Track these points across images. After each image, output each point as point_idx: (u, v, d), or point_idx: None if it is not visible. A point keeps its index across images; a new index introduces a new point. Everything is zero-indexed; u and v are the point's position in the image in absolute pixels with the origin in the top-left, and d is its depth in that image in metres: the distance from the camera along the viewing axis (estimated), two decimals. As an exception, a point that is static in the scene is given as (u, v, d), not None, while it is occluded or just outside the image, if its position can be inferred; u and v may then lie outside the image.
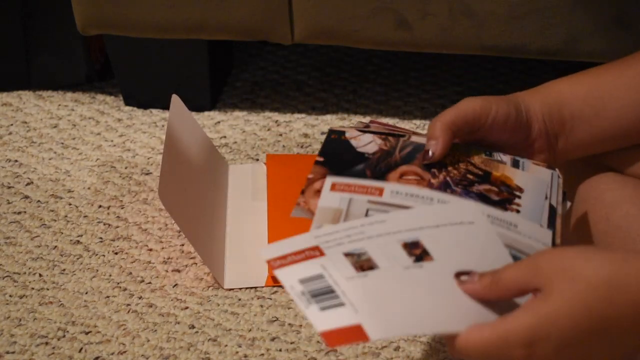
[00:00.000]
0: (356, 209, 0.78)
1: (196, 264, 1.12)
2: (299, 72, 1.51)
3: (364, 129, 0.88)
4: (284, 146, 1.33)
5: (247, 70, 1.52)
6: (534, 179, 0.86)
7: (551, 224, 0.82)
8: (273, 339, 1.02)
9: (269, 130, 1.37)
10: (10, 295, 1.09)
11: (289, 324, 1.04)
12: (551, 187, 0.85)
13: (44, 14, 1.43)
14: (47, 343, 1.02)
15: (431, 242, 0.73)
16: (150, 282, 1.10)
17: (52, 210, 1.22)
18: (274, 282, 1.09)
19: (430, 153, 0.84)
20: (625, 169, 0.91)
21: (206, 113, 1.41)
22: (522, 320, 0.68)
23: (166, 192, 1.05)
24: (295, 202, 1.19)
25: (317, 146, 1.31)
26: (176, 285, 1.09)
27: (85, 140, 1.36)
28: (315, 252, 0.73)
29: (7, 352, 1.01)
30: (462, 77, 1.49)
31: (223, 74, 1.48)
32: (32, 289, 1.09)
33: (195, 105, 1.39)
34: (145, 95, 1.42)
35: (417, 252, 0.72)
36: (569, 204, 0.86)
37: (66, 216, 1.20)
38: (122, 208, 1.21)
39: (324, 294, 0.70)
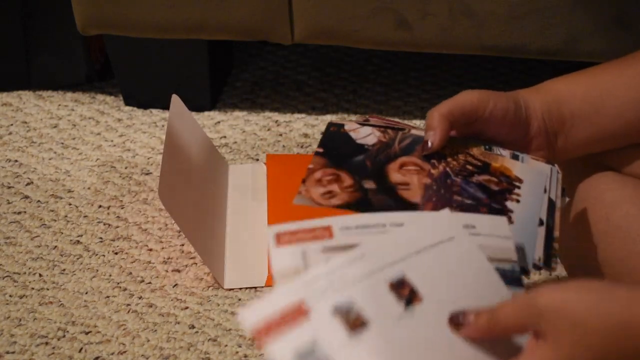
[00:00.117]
0: (314, 262, 0.73)
1: (196, 264, 1.12)
2: (299, 72, 1.51)
3: (363, 123, 0.89)
4: (284, 146, 1.33)
5: (247, 70, 1.52)
6: (533, 171, 0.86)
7: (550, 217, 0.82)
8: (273, 339, 1.02)
9: (269, 130, 1.37)
10: (10, 295, 1.09)
11: (289, 324, 1.03)
12: (550, 181, 0.85)
13: (44, 14, 1.43)
14: (47, 343, 1.02)
15: (417, 275, 0.70)
16: (150, 282, 1.10)
17: (52, 210, 1.22)
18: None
19: (429, 143, 0.84)
20: (625, 168, 0.91)
21: (206, 113, 1.41)
22: None
23: (166, 192, 1.05)
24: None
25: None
26: (176, 285, 1.09)
27: (85, 140, 1.36)
28: (300, 312, 0.68)
29: (7, 352, 1.01)
30: (462, 77, 1.49)
31: (223, 74, 1.48)
32: (32, 289, 1.09)
33: (195, 105, 1.39)
34: (145, 95, 1.42)
35: (405, 292, 0.70)
36: (567, 199, 0.86)
37: (66, 216, 1.20)
38: (122, 208, 1.21)
39: None
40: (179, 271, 1.11)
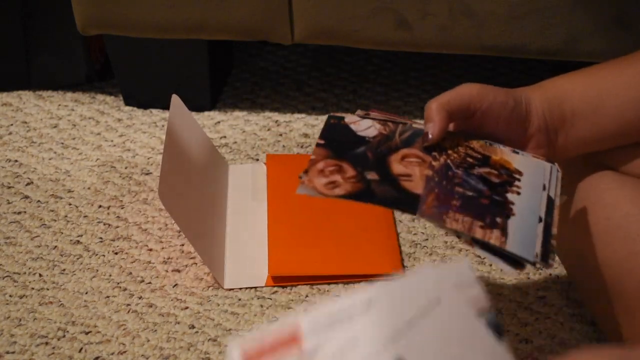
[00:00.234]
0: None
1: (196, 264, 1.12)
2: (299, 72, 1.51)
3: (364, 116, 0.89)
4: (284, 146, 1.33)
5: (247, 70, 1.52)
6: (532, 164, 0.86)
7: (548, 214, 0.83)
8: (273, 339, 1.02)
9: (269, 130, 1.37)
10: (10, 295, 1.09)
11: (289, 324, 1.03)
12: (550, 180, 0.85)
13: (44, 14, 1.43)
14: (47, 343, 1.02)
15: (414, 354, 0.62)
16: (150, 282, 1.10)
17: (52, 210, 1.22)
18: (274, 282, 1.09)
19: (429, 135, 0.85)
20: (625, 168, 0.91)
21: (206, 113, 1.41)
22: None
23: (166, 192, 1.05)
24: (295, 203, 1.19)
25: (317, 146, 1.31)
26: (176, 285, 1.09)
27: (85, 140, 1.36)
28: None
29: (7, 352, 1.01)
30: (462, 77, 1.49)
31: (223, 74, 1.48)
32: (32, 289, 1.09)
33: (195, 105, 1.39)
34: (145, 95, 1.42)
35: None
36: (565, 197, 0.86)
37: (66, 216, 1.20)
38: (122, 208, 1.21)
39: None
40: (179, 271, 1.11)
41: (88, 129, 1.38)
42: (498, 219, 0.81)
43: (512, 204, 0.82)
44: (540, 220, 0.82)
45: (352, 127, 0.88)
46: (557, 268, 1.09)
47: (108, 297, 1.08)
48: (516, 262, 0.79)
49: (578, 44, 1.24)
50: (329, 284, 1.08)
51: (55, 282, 1.10)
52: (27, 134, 1.37)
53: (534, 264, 0.79)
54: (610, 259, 0.88)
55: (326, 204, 1.18)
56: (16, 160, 1.31)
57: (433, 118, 0.85)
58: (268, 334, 0.63)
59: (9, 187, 1.26)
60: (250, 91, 1.46)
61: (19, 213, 1.21)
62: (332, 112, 1.40)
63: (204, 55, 1.38)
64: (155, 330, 1.03)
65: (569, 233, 0.94)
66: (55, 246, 1.16)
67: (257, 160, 1.30)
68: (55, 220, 1.20)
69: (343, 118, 0.89)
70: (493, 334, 0.66)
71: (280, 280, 1.09)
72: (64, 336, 1.03)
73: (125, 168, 1.29)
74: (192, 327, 1.04)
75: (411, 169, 0.83)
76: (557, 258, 1.09)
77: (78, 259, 1.14)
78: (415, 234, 1.16)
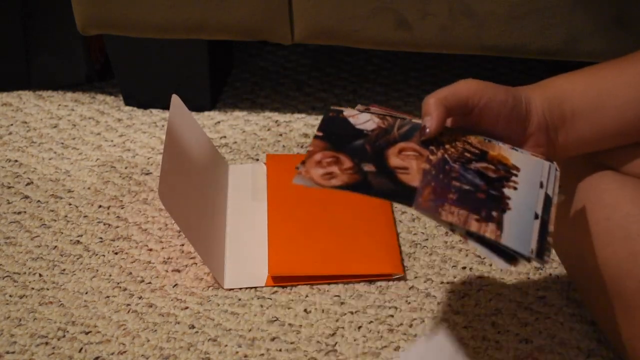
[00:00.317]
0: None
1: (196, 264, 1.12)
2: (299, 72, 1.51)
3: (364, 111, 0.90)
4: (284, 146, 1.33)
5: (247, 70, 1.52)
6: (530, 161, 0.86)
7: (545, 212, 0.82)
8: (273, 339, 1.02)
9: (269, 130, 1.37)
10: (10, 295, 1.09)
11: (289, 324, 1.04)
12: (548, 178, 0.85)
13: (44, 14, 1.43)
14: (47, 343, 1.02)
15: None
16: (150, 282, 1.10)
17: (52, 210, 1.22)
18: (274, 282, 1.09)
19: (426, 129, 0.85)
20: (625, 168, 0.91)
21: (206, 113, 1.41)
22: None
23: (166, 192, 1.05)
24: (295, 203, 1.19)
25: (317, 146, 1.31)
26: (176, 285, 1.09)
27: (85, 140, 1.36)
28: None
29: (7, 352, 1.01)
30: (462, 77, 1.47)
31: (223, 74, 1.48)
32: (32, 289, 1.09)
33: (195, 105, 1.39)
34: (145, 95, 1.42)
35: None
36: (563, 196, 0.86)
37: (66, 216, 1.20)
38: (122, 208, 1.21)
39: None
40: (179, 271, 1.11)
41: (88, 129, 1.38)
42: (494, 213, 0.81)
43: (509, 198, 0.83)
44: (536, 217, 0.82)
45: (351, 120, 0.88)
46: (557, 268, 1.09)
47: (108, 297, 1.08)
48: (510, 257, 0.79)
49: (578, 44, 1.24)
50: (329, 284, 1.08)
51: (55, 282, 1.10)
52: (27, 134, 1.37)
53: (528, 259, 0.79)
54: (610, 259, 0.87)
55: (326, 204, 1.18)
56: (16, 160, 1.31)
57: (431, 112, 0.85)
58: None
59: (9, 187, 1.26)
60: (250, 91, 1.46)
61: (19, 213, 1.21)
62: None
63: (204, 55, 1.38)
64: (155, 330, 1.03)
65: (569, 233, 0.93)
66: (55, 246, 1.16)
67: (257, 160, 1.30)
68: (55, 220, 1.20)
69: (342, 111, 0.89)
70: None
71: (280, 280, 1.09)
72: (64, 336, 1.03)
73: (125, 168, 1.29)
74: (192, 327, 1.04)
75: (408, 162, 0.84)
76: (557, 258, 1.09)
77: (78, 259, 1.14)
78: (415, 234, 1.16)
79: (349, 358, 0.99)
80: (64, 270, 1.12)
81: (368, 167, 0.83)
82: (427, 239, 1.15)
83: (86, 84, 1.48)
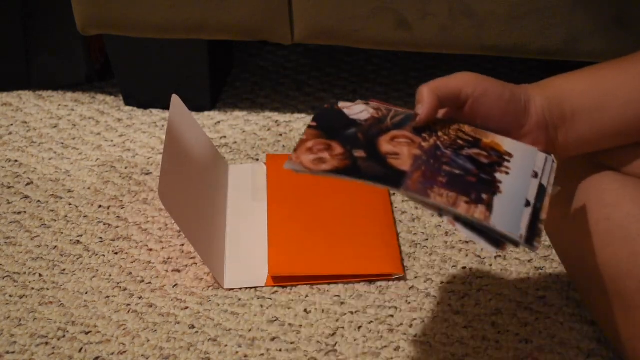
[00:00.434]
0: None
1: (196, 264, 1.12)
2: (299, 72, 1.51)
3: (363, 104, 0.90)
4: (284, 146, 1.33)
5: (247, 70, 1.52)
6: (523, 149, 0.86)
7: (538, 200, 0.82)
8: (273, 339, 1.02)
9: (269, 130, 1.37)
10: (10, 295, 1.09)
11: (289, 324, 1.04)
12: (544, 169, 0.85)
13: (44, 14, 1.43)
14: (47, 343, 1.02)
15: None
16: (150, 282, 1.10)
17: (52, 210, 1.22)
18: (274, 282, 1.09)
19: (418, 116, 0.86)
20: (626, 168, 0.91)
21: (206, 113, 1.41)
22: None
23: (166, 192, 1.05)
24: (295, 203, 1.19)
25: (317, 146, 1.31)
26: (176, 285, 1.09)
27: (85, 140, 1.36)
28: None
29: (7, 352, 1.01)
30: (462, 77, 1.48)
31: (223, 74, 1.48)
32: (32, 289, 1.09)
33: (195, 105, 1.39)
34: (145, 95, 1.42)
35: None
36: (558, 188, 0.86)
37: (66, 216, 1.20)
38: (122, 208, 1.21)
39: None
40: (179, 271, 1.11)
41: (88, 129, 1.38)
42: (484, 196, 0.80)
43: (500, 182, 0.82)
44: (528, 204, 0.81)
45: (345, 111, 0.89)
46: (557, 268, 1.09)
47: (108, 297, 1.08)
48: (498, 241, 0.78)
49: (578, 44, 1.24)
50: (329, 284, 1.08)
51: (55, 282, 1.10)
52: (27, 134, 1.37)
53: (517, 243, 0.78)
54: (611, 259, 0.87)
55: (326, 204, 1.18)
56: (16, 160, 1.31)
57: (423, 100, 0.86)
58: None
59: (9, 187, 1.26)
60: (250, 91, 1.46)
61: (19, 213, 1.21)
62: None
63: (204, 55, 1.38)
64: (155, 330, 1.03)
65: (569, 233, 0.93)
66: (55, 246, 1.16)
67: (257, 160, 1.30)
68: (55, 220, 1.20)
69: (337, 103, 0.90)
70: None
71: (280, 280, 1.09)
72: (64, 336, 1.03)
73: (125, 168, 1.29)
74: (192, 327, 1.04)
75: (399, 149, 0.84)
76: (557, 258, 1.09)
77: (78, 259, 1.14)
78: (415, 234, 1.16)
79: (349, 358, 0.99)
80: (64, 270, 1.12)
81: (359, 153, 0.83)
82: (427, 239, 1.15)
83: (86, 84, 1.48)
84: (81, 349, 1.01)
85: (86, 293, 1.09)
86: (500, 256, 1.11)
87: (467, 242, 1.14)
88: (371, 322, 1.03)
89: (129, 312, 1.06)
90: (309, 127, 0.86)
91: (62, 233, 1.18)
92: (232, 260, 1.12)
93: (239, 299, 1.07)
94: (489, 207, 0.79)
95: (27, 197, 1.24)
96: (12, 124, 1.40)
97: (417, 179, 0.81)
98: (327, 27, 1.28)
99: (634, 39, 1.22)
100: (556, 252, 1.01)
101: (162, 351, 1.01)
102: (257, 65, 1.53)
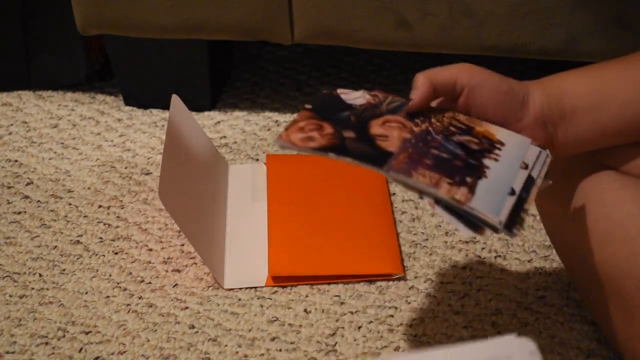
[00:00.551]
0: None
1: (196, 264, 1.12)
2: (299, 72, 1.51)
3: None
4: (284, 146, 1.33)
5: (247, 70, 1.52)
6: (516, 139, 0.86)
7: (525, 190, 0.82)
8: (273, 339, 1.02)
9: (269, 130, 1.37)
10: (10, 295, 1.09)
11: (289, 324, 1.04)
12: (536, 161, 0.85)
13: (44, 14, 1.43)
14: (47, 343, 1.02)
15: None
16: (150, 282, 1.10)
17: (52, 210, 1.22)
18: (274, 282, 1.09)
19: (411, 101, 0.87)
20: (626, 168, 0.91)
21: (206, 113, 1.41)
22: None
23: (166, 192, 1.05)
24: (295, 203, 1.19)
25: (317, 146, 1.31)
26: (176, 285, 1.09)
27: (85, 140, 1.36)
28: None
29: (7, 352, 1.01)
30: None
31: (223, 74, 1.48)
32: (32, 289, 1.09)
33: (195, 105, 1.39)
34: (145, 95, 1.42)
35: None
36: (549, 182, 0.86)
37: (66, 216, 1.20)
38: (122, 208, 1.21)
39: None
40: (179, 271, 1.11)
41: (88, 129, 1.38)
42: (468, 179, 0.80)
43: (487, 168, 0.82)
44: (513, 192, 0.81)
45: (342, 96, 0.89)
46: (557, 268, 1.09)
47: (108, 297, 1.08)
48: (477, 226, 0.78)
49: (578, 44, 1.24)
50: (329, 284, 1.08)
51: (55, 282, 1.10)
52: (27, 134, 1.37)
53: (496, 229, 0.78)
54: (610, 258, 0.87)
55: (326, 203, 1.18)
56: (16, 160, 1.31)
57: (417, 87, 0.87)
58: None
59: (9, 187, 1.26)
60: (250, 91, 1.46)
61: (19, 213, 1.21)
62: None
63: (204, 55, 1.38)
64: (155, 330, 1.03)
65: (569, 233, 0.93)
66: (55, 246, 1.16)
67: (257, 160, 1.30)
68: (55, 220, 1.20)
69: (336, 89, 0.90)
70: None
71: (280, 280, 1.09)
72: (64, 336, 1.03)
73: (125, 168, 1.29)
74: (192, 327, 1.04)
75: (390, 132, 0.84)
76: (557, 258, 1.09)
77: (78, 259, 1.14)
78: (415, 234, 1.16)
79: (349, 358, 0.99)
80: (64, 270, 1.12)
81: (348, 134, 0.84)
82: (427, 239, 1.15)
83: (86, 84, 1.48)
84: (81, 349, 1.01)
85: (86, 293, 1.09)
86: (500, 256, 1.11)
87: (467, 242, 1.14)
88: (371, 322, 1.03)
89: (129, 312, 1.06)
90: (304, 109, 0.87)
91: (62, 233, 1.18)
92: (232, 260, 1.12)
93: (239, 299, 1.07)
94: (472, 189, 0.79)
95: (27, 197, 1.24)
96: (12, 124, 1.40)
97: (403, 159, 0.81)
98: (327, 27, 1.28)
99: (634, 39, 1.22)
100: (556, 252, 1.01)
101: (162, 351, 1.01)
102: (257, 65, 1.53)
